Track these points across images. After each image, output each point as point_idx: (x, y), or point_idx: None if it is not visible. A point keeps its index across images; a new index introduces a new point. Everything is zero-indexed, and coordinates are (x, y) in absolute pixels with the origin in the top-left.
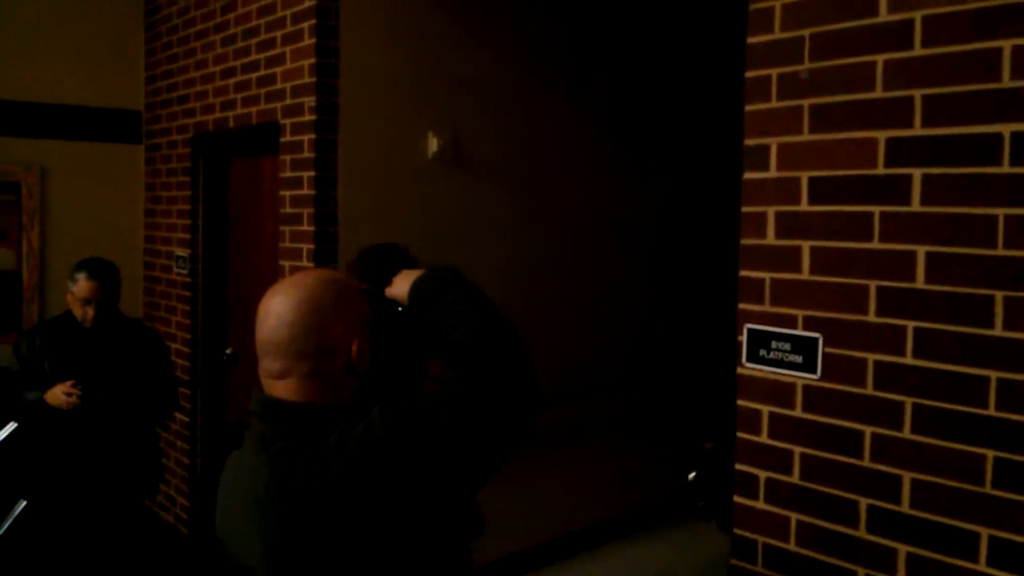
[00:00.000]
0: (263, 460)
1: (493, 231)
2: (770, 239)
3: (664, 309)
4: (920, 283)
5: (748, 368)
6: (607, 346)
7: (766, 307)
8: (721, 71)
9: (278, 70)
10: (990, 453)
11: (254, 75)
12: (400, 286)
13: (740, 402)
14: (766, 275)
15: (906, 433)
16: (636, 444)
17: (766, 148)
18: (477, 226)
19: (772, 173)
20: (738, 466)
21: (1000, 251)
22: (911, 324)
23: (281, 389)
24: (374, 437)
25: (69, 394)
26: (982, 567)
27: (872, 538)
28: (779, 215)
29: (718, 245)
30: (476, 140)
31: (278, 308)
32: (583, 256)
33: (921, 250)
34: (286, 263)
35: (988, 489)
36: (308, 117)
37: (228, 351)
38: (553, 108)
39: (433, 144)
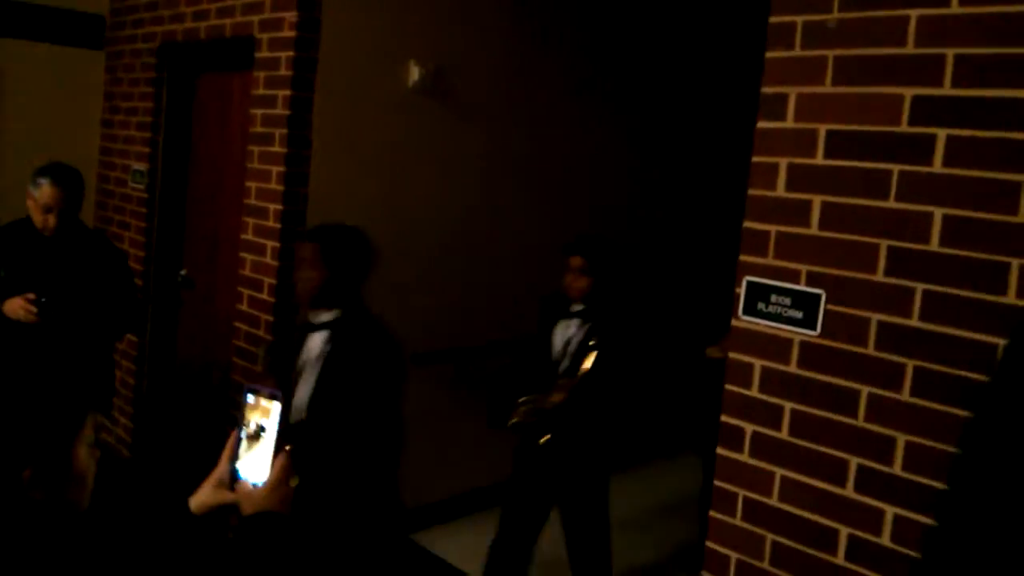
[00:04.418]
0: None
1: (469, 167)
2: (780, 191)
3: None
4: (934, 245)
5: (744, 321)
6: None
7: (769, 260)
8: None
9: None
10: None
11: None
12: None
13: (732, 355)
14: (772, 228)
15: (904, 396)
16: None
17: (784, 97)
18: (452, 161)
19: (788, 123)
20: (724, 418)
21: (1020, 218)
22: (920, 286)
23: None
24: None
25: (28, 308)
26: None
27: (859, 498)
28: (792, 167)
29: (703, 207)
30: (459, 74)
31: None
32: (561, 200)
33: (938, 212)
34: (253, 184)
35: None
36: (287, 33)
37: (183, 272)
38: (544, 51)
39: (414, 73)
